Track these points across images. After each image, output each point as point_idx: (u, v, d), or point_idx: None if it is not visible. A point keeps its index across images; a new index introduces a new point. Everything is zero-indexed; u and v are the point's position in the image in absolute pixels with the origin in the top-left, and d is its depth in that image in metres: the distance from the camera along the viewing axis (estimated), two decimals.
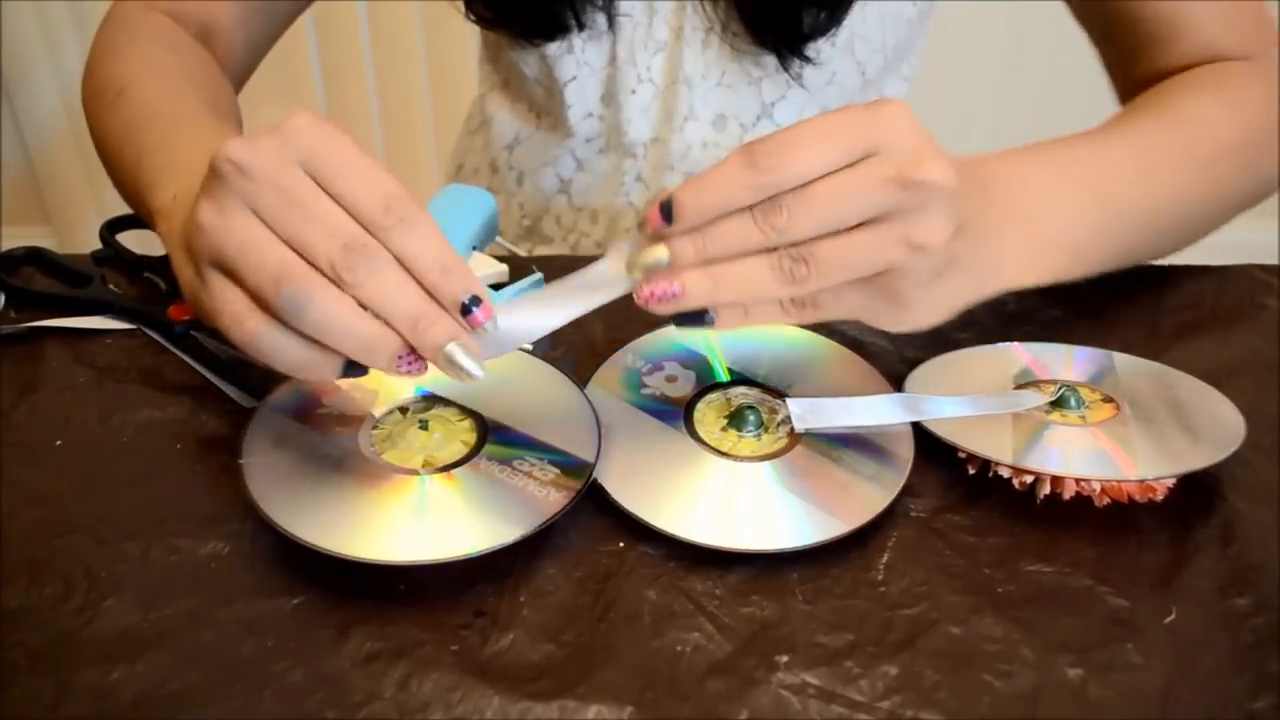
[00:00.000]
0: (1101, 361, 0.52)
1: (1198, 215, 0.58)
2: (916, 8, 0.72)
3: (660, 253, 0.41)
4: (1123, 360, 0.52)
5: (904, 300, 0.43)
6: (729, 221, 0.41)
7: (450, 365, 0.40)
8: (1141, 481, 0.44)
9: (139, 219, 0.65)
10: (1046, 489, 0.45)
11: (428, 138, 1.74)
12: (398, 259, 0.40)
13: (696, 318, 0.42)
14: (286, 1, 0.74)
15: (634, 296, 0.42)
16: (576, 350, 0.56)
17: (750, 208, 0.40)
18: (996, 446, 0.45)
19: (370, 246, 0.39)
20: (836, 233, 0.40)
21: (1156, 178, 0.55)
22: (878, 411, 0.48)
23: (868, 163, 0.40)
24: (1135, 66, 0.66)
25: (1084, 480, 0.44)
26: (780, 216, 0.40)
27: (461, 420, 0.48)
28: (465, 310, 0.40)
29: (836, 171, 0.40)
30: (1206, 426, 0.47)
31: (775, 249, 0.41)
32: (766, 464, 0.46)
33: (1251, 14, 0.64)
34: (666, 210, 0.40)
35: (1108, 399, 0.49)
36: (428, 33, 1.66)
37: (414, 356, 0.40)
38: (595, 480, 0.45)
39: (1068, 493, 0.45)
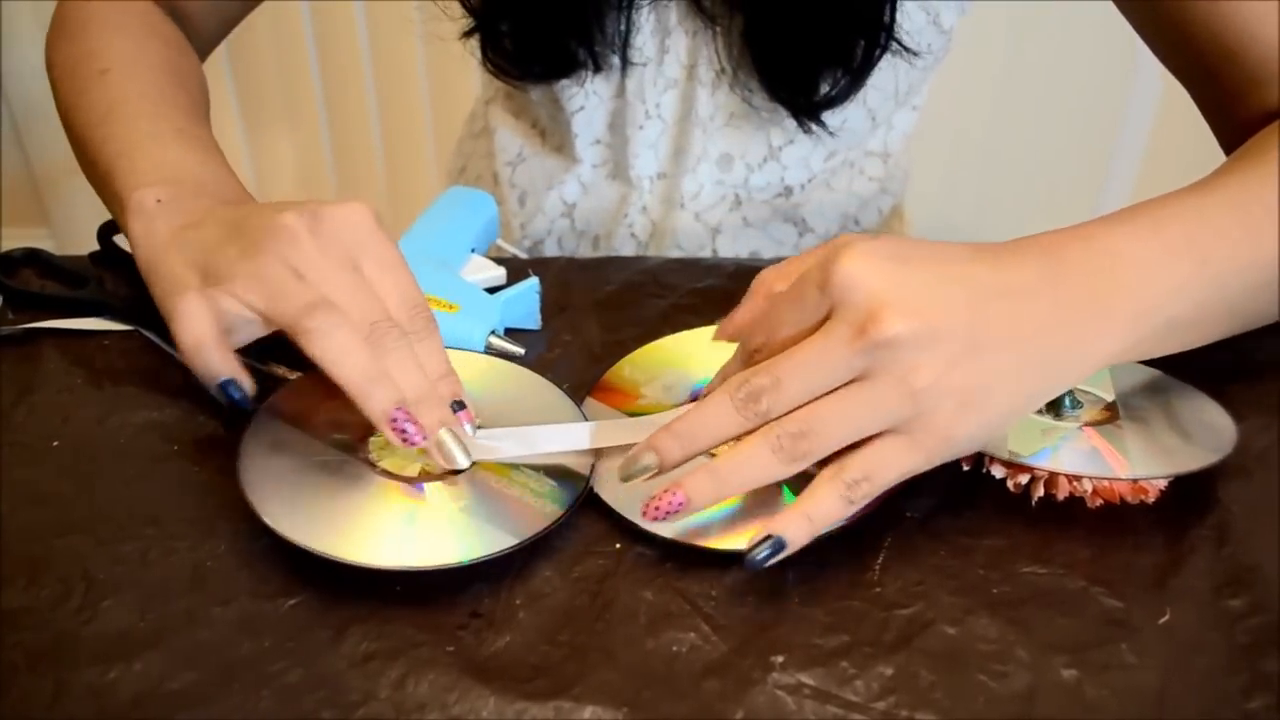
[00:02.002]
0: None
1: None
2: (933, 54, 0.72)
3: (648, 461, 0.42)
4: (1117, 365, 0.52)
5: (952, 434, 0.40)
6: (708, 412, 0.41)
7: (439, 447, 0.44)
8: (1134, 482, 0.44)
9: None
10: (1040, 491, 0.45)
11: (426, 139, 1.74)
12: None
13: (771, 553, 0.40)
14: None
15: (641, 515, 0.42)
16: (573, 351, 0.56)
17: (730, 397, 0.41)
18: (990, 444, 0.46)
19: (395, 331, 0.45)
20: (825, 395, 0.40)
21: (1264, 233, 0.48)
22: None
23: (826, 330, 0.40)
24: (1237, 110, 0.59)
25: (1076, 480, 0.44)
26: (760, 403, 0.40)
27: None
28: (452, 410, 0.46)
29: (804, 345, 0.40)
30: (1199, 430, 0.47)
31: (772, 432, 0.40)
32: None
33: None
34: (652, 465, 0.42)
35: (1102, 401, 0.49)
36: (427, 33, 1.66)
37: (411, 419, 0.43)
38: (591, 489, 0.45)
39: (1061, 494, 0.45)
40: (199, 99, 0.63)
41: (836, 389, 0.40)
